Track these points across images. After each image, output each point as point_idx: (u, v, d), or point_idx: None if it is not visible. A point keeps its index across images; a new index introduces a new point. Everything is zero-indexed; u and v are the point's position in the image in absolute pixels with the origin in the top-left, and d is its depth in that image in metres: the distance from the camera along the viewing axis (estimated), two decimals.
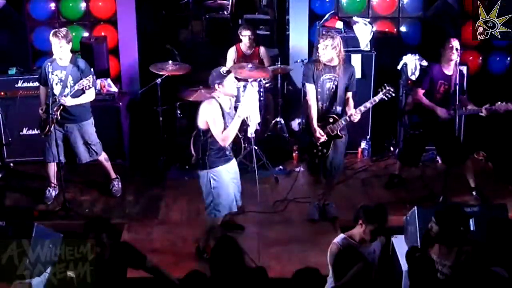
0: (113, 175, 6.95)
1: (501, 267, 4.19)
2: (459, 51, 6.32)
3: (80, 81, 6.26)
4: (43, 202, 6.69)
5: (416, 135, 6.67)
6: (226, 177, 5.53)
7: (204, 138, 5.40)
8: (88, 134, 6.58)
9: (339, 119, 5.99)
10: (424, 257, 4.25)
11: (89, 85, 6.26)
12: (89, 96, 6.45)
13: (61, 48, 6.25)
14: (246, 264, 4.29)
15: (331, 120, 6.01)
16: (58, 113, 6.32)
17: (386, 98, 5.95)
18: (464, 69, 6.99)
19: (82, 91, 6.35)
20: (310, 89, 6.03)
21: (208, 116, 5.32)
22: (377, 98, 5.95)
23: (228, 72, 5.39)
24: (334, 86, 5.99)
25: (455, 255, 4.36)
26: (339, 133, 6.02)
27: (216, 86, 5.34)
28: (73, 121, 6.50)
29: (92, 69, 6.69)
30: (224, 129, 5.32)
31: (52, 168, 6.65)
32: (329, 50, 5.91)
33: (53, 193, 6.76)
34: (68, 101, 6.30)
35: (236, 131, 5.37)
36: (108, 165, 6.88)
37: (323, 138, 5.96)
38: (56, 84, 6.37)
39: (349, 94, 6.06)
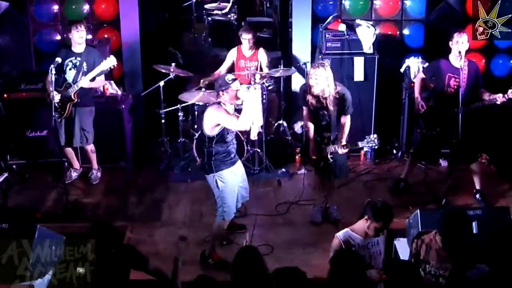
0: (95, 166, 7.17)
1: (503, 269, 4.15)
2: (466, 44, 6.25)
3: (102, 63, 6.59)
4: (50, 196, 6.82)
5: (433, 135, 6.59)
6: (233, 180, 5.56)
7: (210, 144, 5.42)
8: (84, 120, 6.85)
9: (332, 144, 6.06)
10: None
11: (114, 65, 6.65)
12: (101, 81, 6.96)
13: (81, 38, 6.72)
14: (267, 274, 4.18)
15: (325, 141, 6.08)
16: (76, 95, 6.65)
17: (368, 148, 5.92)
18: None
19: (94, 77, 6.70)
20: (305, 110, 6.21)
21: (217, 117, 5.33)
22: (360, 144, 6.00)
23: (234, 80, 5.40)
24: (327, 116, 6.07)
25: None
26: (328, 156, 6.06)
27: (221, 92, 5.37)
28: (74, 104, 6.74)
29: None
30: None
31: (70, 151, 6.98)
32: (322, 80, 5.90)
33: (74, 174, 7.06)
34: (85, 83, 6.62)
35: (250, 110, 5.32)
36: (93, 156, 7.13)
37: (314, 156, 6.11)
38: (70, 69, 6.69)
39: (346, 118, 6.12)
